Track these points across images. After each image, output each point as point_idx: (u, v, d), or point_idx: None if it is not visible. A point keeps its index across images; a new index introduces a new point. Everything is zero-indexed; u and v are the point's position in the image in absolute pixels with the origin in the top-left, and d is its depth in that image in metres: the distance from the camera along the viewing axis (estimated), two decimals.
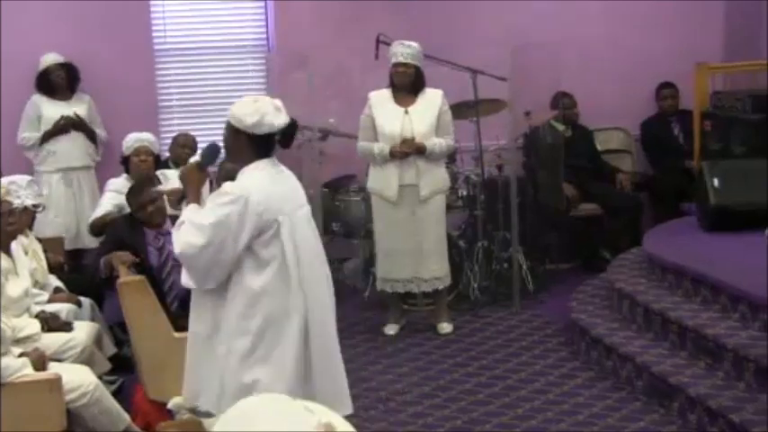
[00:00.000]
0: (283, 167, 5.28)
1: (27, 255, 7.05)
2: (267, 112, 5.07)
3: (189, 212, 5.13)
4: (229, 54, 10.49)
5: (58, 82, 9.49)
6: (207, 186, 5.75)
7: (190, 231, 5.02)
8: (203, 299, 5.18)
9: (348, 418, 2.66)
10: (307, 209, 5.32)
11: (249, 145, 5.10)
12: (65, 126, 9.40)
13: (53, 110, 9.43)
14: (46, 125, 9.40)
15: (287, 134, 5.19)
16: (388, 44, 8.42)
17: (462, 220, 9.19)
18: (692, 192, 8.72)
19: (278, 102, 5.19)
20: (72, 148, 9.45)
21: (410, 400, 7.05)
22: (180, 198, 5.40)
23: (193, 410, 5.25)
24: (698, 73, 9.44)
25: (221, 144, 5.36)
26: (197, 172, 5.34)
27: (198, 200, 5.22)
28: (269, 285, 5.08)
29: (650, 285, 7.75)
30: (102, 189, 8.70)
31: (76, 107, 9.50)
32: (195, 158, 5.25)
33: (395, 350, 8.06)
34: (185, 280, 5.18)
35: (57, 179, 9.33)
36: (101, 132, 9.65)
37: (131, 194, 7.47)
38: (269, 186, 5.11)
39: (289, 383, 5.04)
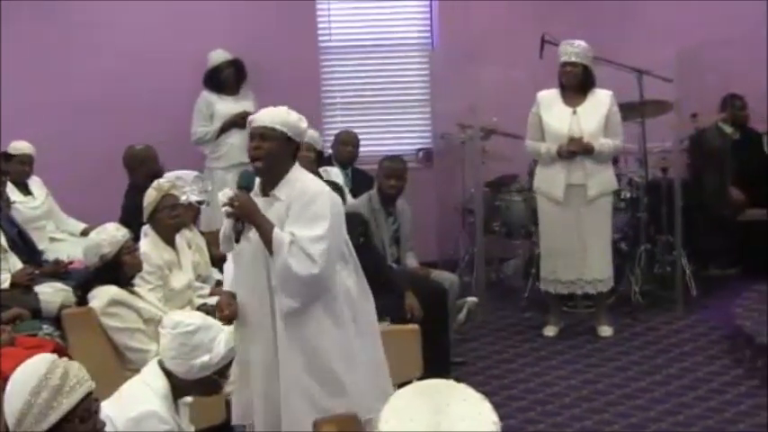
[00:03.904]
0: None
1: (191, 248, 7.17)
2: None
3: (283, 234, 4.93)
4: (393, 52, 10.55)
5: (229, 79, 9.64)
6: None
7: (309, 247, 4.89)
8: (305, 316, 5.04)
9: (506, 419, 2.65)
10: None
11: (294, 152, 5.08)
12: (242, 122, 9.56)
13: (224, 106, 9.55)
14: (218, 121, 9.53)
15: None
16: (553, 44, 8.37)
17: (624, 223, 9.06)
18: None
19: None
20: (243, 143, 9.57)
21: (568, 402, 6.98)
22: (239, 232, 5.14)
23: None
24: None
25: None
26: (249, 197, 5.11)
27: (269, 221, 5.00)
28: (354, 279, 5.21)
29: None
30: None
31: (244, 102, 9.62)
32: (227, 192, 5.01)
33: (553, 352, 8.00)
34: (289, 303, 4.97)
35: (230, 177, 9.35)
36: None
37: None
38: None
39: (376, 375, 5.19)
